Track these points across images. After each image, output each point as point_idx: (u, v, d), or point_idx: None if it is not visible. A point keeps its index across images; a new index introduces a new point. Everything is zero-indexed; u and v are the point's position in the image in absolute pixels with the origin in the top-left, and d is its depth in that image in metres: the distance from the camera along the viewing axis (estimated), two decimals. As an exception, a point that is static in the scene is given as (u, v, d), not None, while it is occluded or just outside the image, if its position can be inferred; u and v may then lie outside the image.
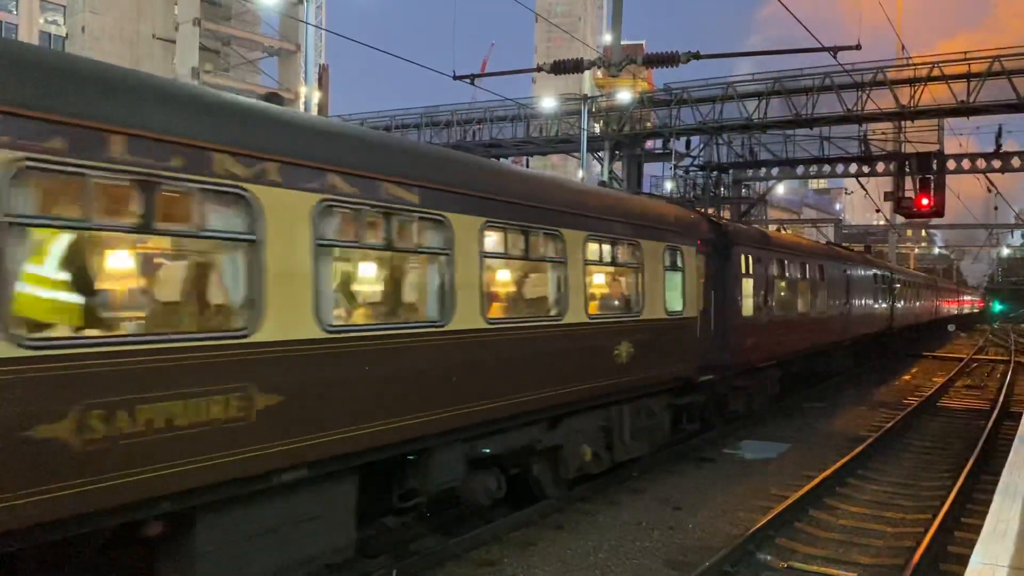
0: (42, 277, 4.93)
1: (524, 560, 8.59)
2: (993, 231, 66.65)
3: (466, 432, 8.01)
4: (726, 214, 33.62)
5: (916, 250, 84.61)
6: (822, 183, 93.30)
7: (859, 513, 10.70)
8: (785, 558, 8.75)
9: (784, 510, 10.04)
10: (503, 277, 9.25)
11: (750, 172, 35.69)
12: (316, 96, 36.49)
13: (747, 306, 15.49)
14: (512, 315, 9.11)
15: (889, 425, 16.40)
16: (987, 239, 73.78)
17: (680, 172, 34.99)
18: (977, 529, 6.96)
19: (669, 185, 37.14)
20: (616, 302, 11.12)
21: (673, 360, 12.11)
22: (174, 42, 41.50)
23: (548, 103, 33.43)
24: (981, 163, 30.59)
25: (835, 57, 17.53)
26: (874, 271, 28.68)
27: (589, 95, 33.60)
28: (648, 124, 31.70)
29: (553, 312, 9.29)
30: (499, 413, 8.30)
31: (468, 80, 20.73)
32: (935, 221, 46.02)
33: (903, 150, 29.92)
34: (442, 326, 7.59)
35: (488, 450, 8.63)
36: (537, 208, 8.98)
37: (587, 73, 42.42)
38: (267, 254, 5.84)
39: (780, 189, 56.38)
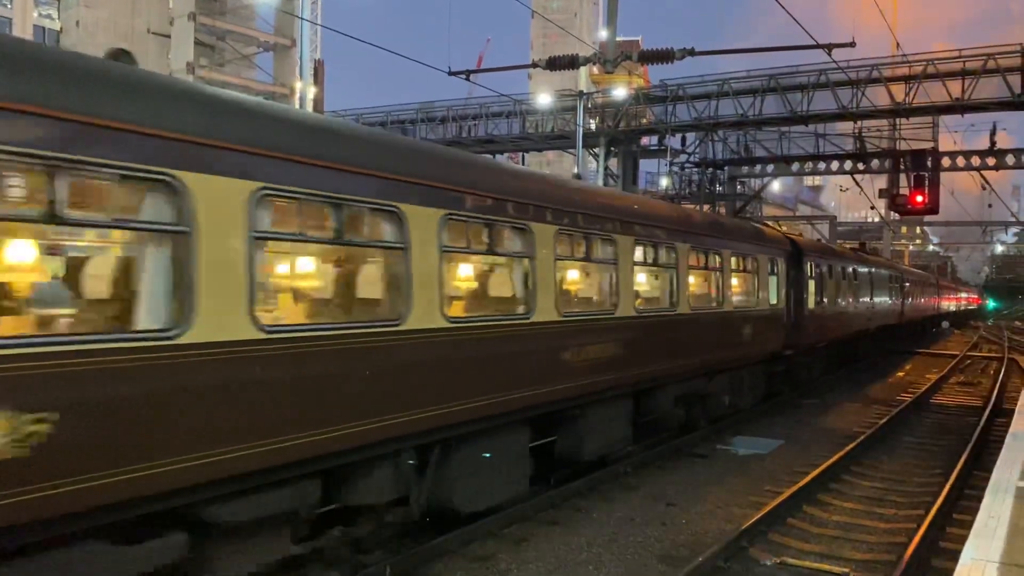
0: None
1: (518, 556, 8.60)
2: (987, 228, 66.87)
3: (674, 378, 12.49)
4: (722, 211, 33.69)
5: (911, 247, 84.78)
6: (817, 180, 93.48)
7: (852, 509, 10.73)
8: (778, 554, 8.78)
9: (777, 506, 10.06)
10: (697, 280, 13.70)
11: (745, 169, 35.73)
12: (311, 92, 36.43)
13: (811, 301, 19.87)
14: (699, 306, 13.47)
15: (882, 422, 16.45)
16: (981, 236, 74.07)
17: (675, 168, 35.05)
18: (969, 525, 7.00)
19: (665, 182, 37.20)
20: (747, 297, 15.62)
21: (771, 339, 16.83)
22: (169, 37, 41.39)
23: (544, 99, 33.40)
24: (976, 160, 30.67)
25: (830, 54, 17.59)
26: (889, 272, 33.30)
27: (585, 91, 33.61)
28: (644, 120, 31.69)
29: (714, 304, 14.16)
30: (689, 367, 12.94)
31: (463, 76, 20.74)
32: (929, 218, 46.16)
33: (898, 147, 30.01)
34: (674, 311, 12.37)
35: (682, 392, 13.15)
36: (708, 237, 13.84)
37: (583, 69, 42.42)
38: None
39: (775, 186, 56.46)
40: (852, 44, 17.53)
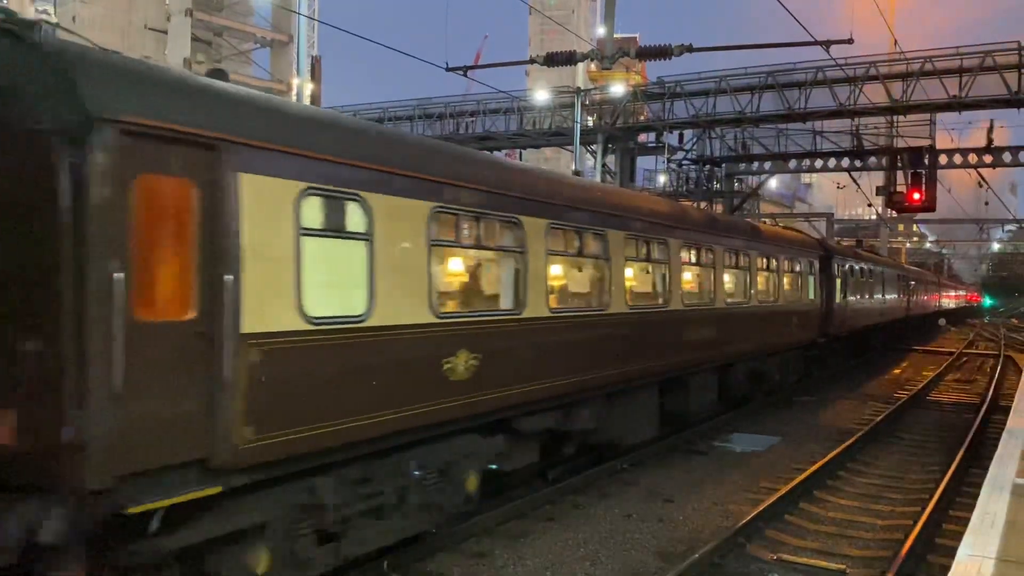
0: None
1: (515, 552, 8.61)
2: (984, 226, 66.91)
3: (745, 358, 16.21)
4: (719, 208, 33.69)
5: (908, 245, 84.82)
6: (813, 177, 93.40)
7: (849, 506, 10.76)
8: (775, 550, 8.80)
9: (774, 502, 10.08)
10: (761, 279, 16.85)
11: (743, 166, 35.67)
12: (309, 87, 36.34)
13: (838, 296, 22.76)
14: (763, 301, 16.81)
15: (879, 419, 16.49)
16: (978, 234, 74.12)
17: (673, 166, 34.99)
18: (965, 521, 7.01)
19: (662, 179, 37.15)
20: (793, 293, 18.94)
21: (809, 329, 20.09)
22: (166, 32, 41.28)
23: (541, 96, 33.34)
24: (973, 158, 30.68)
25: (828, 51, 17.57)
26: (897, 272, 36.99)
27: (583, 88, 33.55)
28: (641, 117, 31.63)
29: (771, 300, 17.29)
30: (756, 350, 16.60)
31: (461, 72, 20.70)
32: (926, 215, 46.24)
33: (895, 144, 29.99)
34: (748, 304, 15.80)
35: (749, 369, 16.71)
36: (767, 245, 17.19)
37: (581, 66, 42.38)
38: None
39: (773, 183, 56.47)
40: (850, 41, 17.52)
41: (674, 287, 12.53)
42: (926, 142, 28.80)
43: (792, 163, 34.04)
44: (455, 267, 8.59)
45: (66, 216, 4.87)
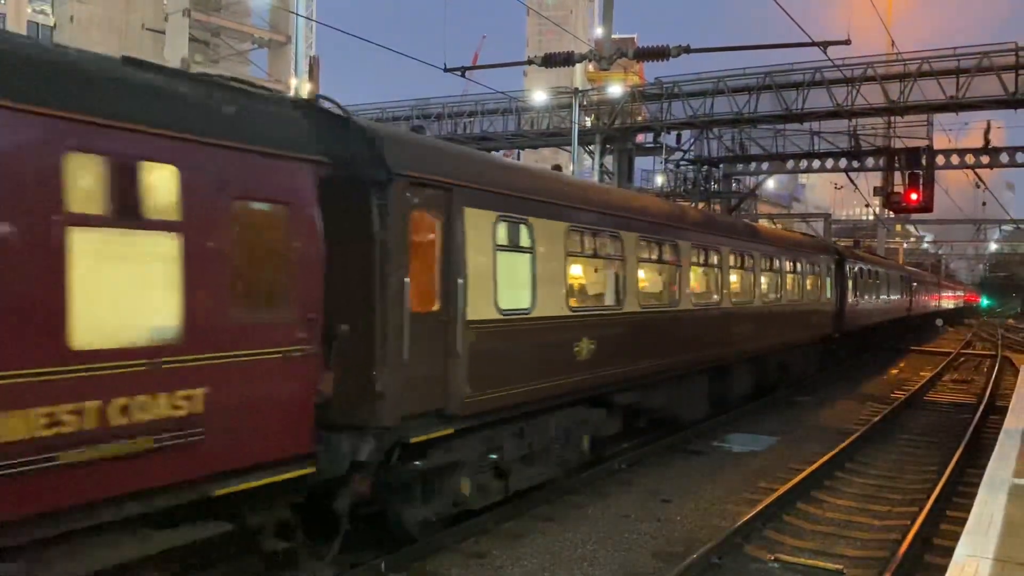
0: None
1: (513, 552, 8.61)
2: (981, 225, 66.96)
3: (775, 350, 18.26)
4: (717, 208, 33.72)
5: (905, 245, 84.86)
6: (812, 177, 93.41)
7: (846, 506, 10.77)
8: (773, 550, 8.80)
9: (772, 503, 10.09)
10: (789, 280, 19.07)
11: (740, 166, 35.72)
12: (307, 88, 36.31)
13: (850, 297, 24.89)
14: (793, 299, 19.10)
15: (877, 419, 16.50)
16: (975, 234, 74.16)
17: (671, 166, 35.02)
18: (962, 521, 7.03)
19: (660, 179, 37.19)
20: (814, 293, 21.08)
21: (827, 325, 22.43)
22: (164, 33, 41.24)
23: (539, 96, 33.35)
24: (970, 158, 30.72)
25: (825, 52, 17.58)
26: (900, 273, 39.66)
27: (580, 89, 33.55)
28: (639, 118, 31.65)
29: (797, 299, 19.52)
30: (784, 343, 18.73)
31: (459, 72, 20.69)
32: (923, 216, 46.26)
33: (893, 145, 30.03)
34: (780, 303, 18.11)
35: (777, 361, 18.84)
36: (796, 250, 19.75)
37: (579, 67, 42.35)
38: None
39: (770, 183, 56.47)
40: (847, 42, 17.52)
41: (724, 287, 15.08)
42: (923, 142, 28.84)
43: (790, 164, 34.08)
44: (578, 272, 10.86)
45: (377, 238, 7.22)
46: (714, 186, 35.17)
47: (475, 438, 8.61)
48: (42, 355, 4.89)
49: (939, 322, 60.76)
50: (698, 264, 13.91)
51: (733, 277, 15.57)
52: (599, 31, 38.83)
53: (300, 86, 26.69)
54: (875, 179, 34.07)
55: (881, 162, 30.56)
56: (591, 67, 46.86)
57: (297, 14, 28.47)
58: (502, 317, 8.67)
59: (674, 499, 10.77)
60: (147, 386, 5.39)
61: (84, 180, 5.16)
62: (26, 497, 4.84)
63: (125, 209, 5.36)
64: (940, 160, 29.81)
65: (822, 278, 21.80)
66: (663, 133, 31.46)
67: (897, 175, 28.55)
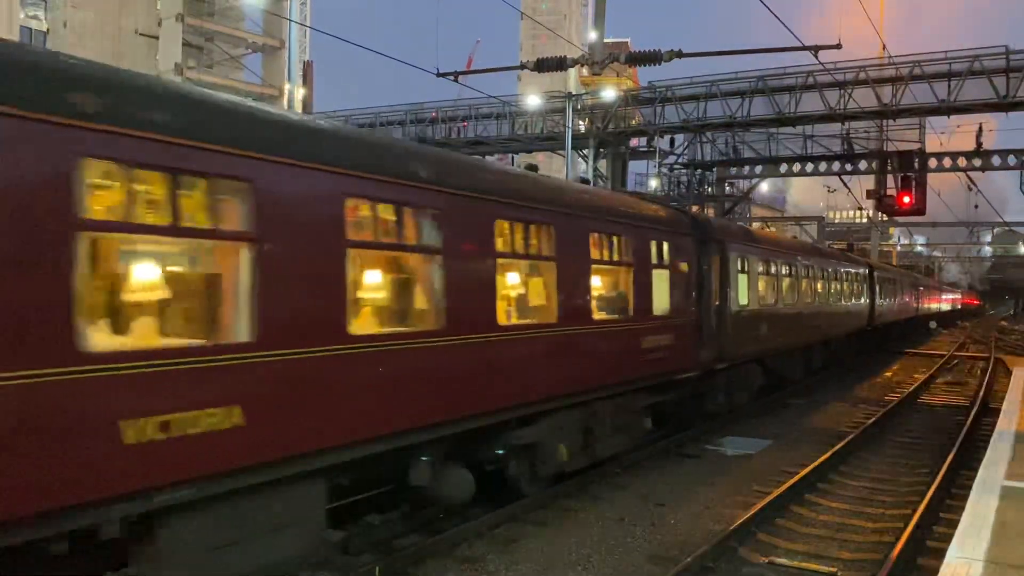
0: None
1: (507, 557, 8.61)
2: (973, 228, 67.19)
3: (834, 337, 25.19)
4: (710, 212, 33.79)
5: (899, 247, 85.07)
6: (804, 180, 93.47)
7: (840, 509, 10.79)
8: (767, 554, 8.82)
9: (765, 506, 10.10)
10: (838, 286, 25.49)
11: (734, 170, 35.83)
12: (300, 93, 36.30)
13: (877, 299, 31.62)
14: (833, 301, 24.42)
15: (870, 422, 16.54)
16: (968, 237, 74.42)
17: (664, 170, 35.09)
18: (955, 524, 7.06)
19: (654, 183, 37.25)
20: (855, 294, 27.53)
21: (860, 319, 28.77)
22: (157, 38, 41.17)
23: (533, 101, 33.41)
24: (962, 161, 30.85)
25: (816, 56, 17.65)
26: (910, 280, 48.08)
27: (574, 93, 33.62)
28: (633, 122, 31.74)
29: (846, 299, 26.04)
30: (838, 334, 25.63)
31: (452, 77, 20.71)
32: (916, 219, 46.42)
33: (885, 148, 30.15)
34: (818, 305, 23.57)
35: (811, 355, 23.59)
36: (836, 260, 26.64)
37: (572, 71, 42.42)
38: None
39: (763, 186, 56.61)
40: (838, 46, 17.60)
41: (809, 291, 21.49)
42: (916, 145, 28.96)
43: (783, 167, 34.18)
44: (766, 284, 18.14)
45: (702, 267, 13.99)
46: (708, 189, 35.27)
47: (736, 369, 16.15)
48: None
49: (932, 324, 60.94)
50: (811, 278, 21.60)
51: (816, 284, 22.41)
52: (592, 35, 38.88)
53: (294, 91, 26.71)
54: (867, 182, 34.17)
55: (874, 165, 30.68)
56: (584, 71, 46.96)
57: (291, 19, 28.47)
58: (741, 309, 15.92)
59: (668, 503, 10.77)
60: (662, 330, 12.42)
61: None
62: None
63: (659, 261, 12.50)
64: (932, 163, 29.94)
65: (860, 284, 28.68)
66: (657, 137, 31.55)
67: (890, 178, 28.67)
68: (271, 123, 6.59)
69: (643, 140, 33.43)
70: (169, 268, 6.11)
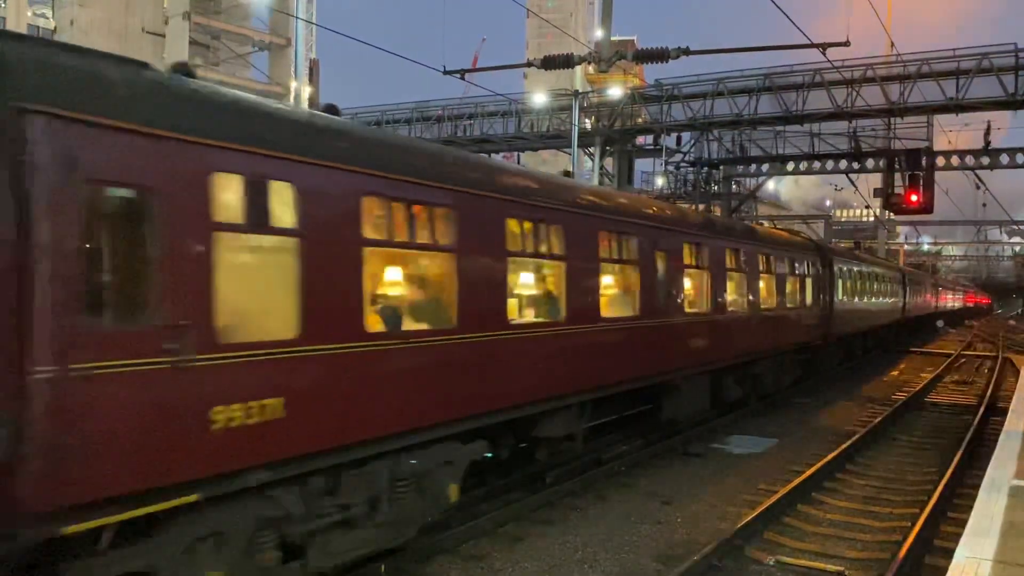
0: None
1: (512, 555, 8.60)
2: (981, 227, 66.92)
3: (879, 328, 32.75)
4: (717, 210, 33.71)
5: (906, 246, 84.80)
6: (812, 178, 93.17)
7: (847, 508, 10.75)
8: (773, 552, 8.79)
9: (772, 505, 10.07)
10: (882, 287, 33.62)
11: (741, 168, 35.71)
12: (307, 91, 36.29)
13: (909, 299, 39.57)
14: (879, 301, 32.14)
15: (877, 420, 16.48)
16: (976, 235, 74.13)
17: (671, 168, 35.02)
18: (963, 523, 7.01)
19: (660, 181, 37.18)
20: (894, 295, 35.82)
21: (896, 313, 36.07)
22: (163, 36, 41.22)
23: (539, 99, 33.35)
24: (970, 159, 30.70)
25: (824, 54, 17.58)
26: (928, 281, 55.65)
27: (580, 91, 33.56)
28: (639, 120, 31.66)
29: (891, 298, 34.97)
30: (882, 326, 33.62)
31: (458, 75, 20.70)
32: (924, 217, 46.24)
33: (892, 146, 30.01)
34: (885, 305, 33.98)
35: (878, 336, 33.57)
36: (883, 267, 35.57)
37: (579, 69, 42.34)
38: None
39: (770, 185, 56.48)
40: (847, 44, 17.54)
41: (872, 291, 28.96)
42: (924, 144, 28.80)
43: (790, 165, 34.06)
44: (842, 286, 24.04)
45: (821, 276, 21.43)
46: (714, 188, 35.17)
47: (836, 343, 23.03)
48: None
49: (940, 323, 60.73)
50: (877, 280, 30.26)
51: (878, 286, 30.20)
52: (599, 33, 38.78)
53: (300, 89, 26.73)
54: (874, 180, 34.03)
55: (881, 163, 30.53)
56: (591, 69, 46.89)
57: (297, 17, 28.49)
58: (839, 303, 22.07)
59: (674, 501, 10.75)
60: (806, 317, 19.97)
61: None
62: None
63: (805, 272, 20.06)
64: (940, 161, 29.79)
65: (896, 286, 36.20)
66: (663, 135, 31.47)
67: (897, 176, 28.52)
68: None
69: (649, 138, 33.34)
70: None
